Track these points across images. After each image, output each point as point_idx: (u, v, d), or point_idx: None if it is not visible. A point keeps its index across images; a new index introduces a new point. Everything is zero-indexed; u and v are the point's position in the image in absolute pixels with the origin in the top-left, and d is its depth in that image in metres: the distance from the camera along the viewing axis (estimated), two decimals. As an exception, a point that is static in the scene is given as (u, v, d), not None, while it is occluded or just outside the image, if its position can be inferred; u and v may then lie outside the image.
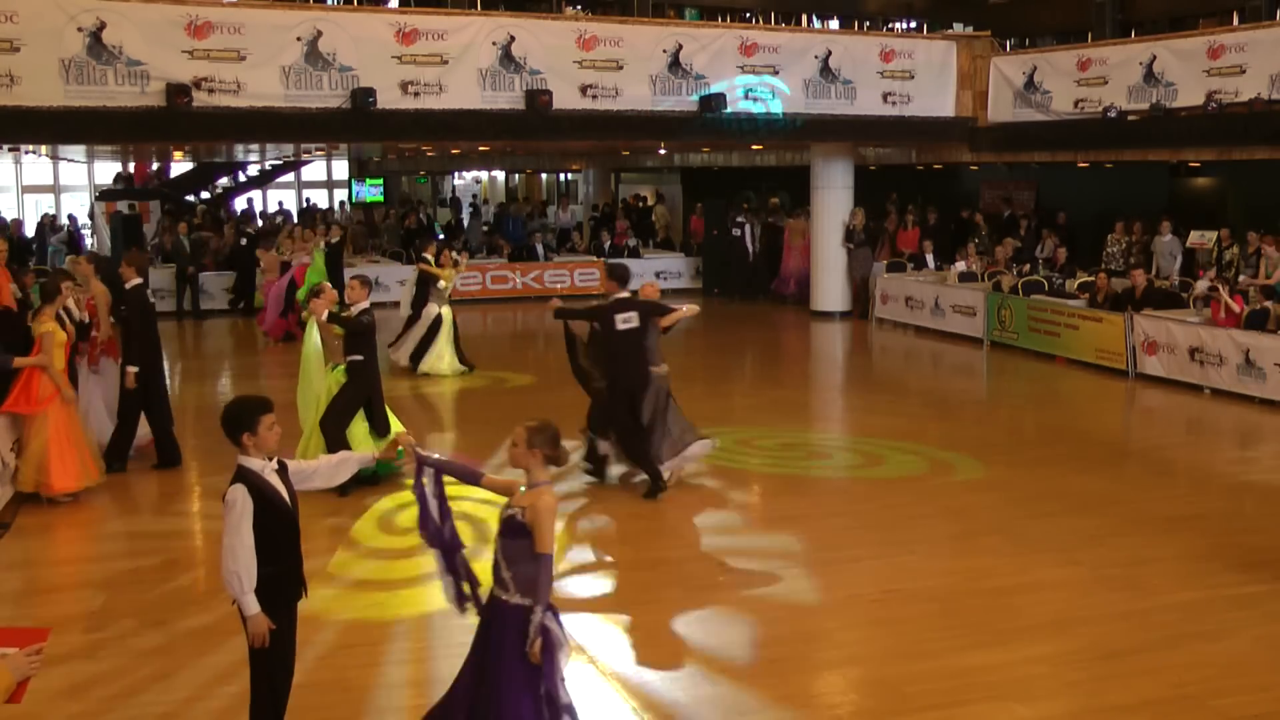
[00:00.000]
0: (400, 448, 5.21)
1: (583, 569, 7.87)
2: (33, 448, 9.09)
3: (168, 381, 11.48)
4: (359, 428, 9.48)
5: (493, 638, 4.70)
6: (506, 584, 4.68)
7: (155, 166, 28.40)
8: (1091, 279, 16.37)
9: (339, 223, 19.26)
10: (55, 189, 30.60)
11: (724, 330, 20.01)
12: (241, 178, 31.06)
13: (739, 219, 22.83)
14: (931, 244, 19.96)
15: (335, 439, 9.22)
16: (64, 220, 26.01)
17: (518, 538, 4.65)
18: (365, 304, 9.65)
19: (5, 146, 21.24)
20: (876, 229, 20.55)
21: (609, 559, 8.06)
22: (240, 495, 4.69)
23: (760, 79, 16.71)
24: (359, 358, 9.52)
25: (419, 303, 15.05)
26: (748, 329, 20.27)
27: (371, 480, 9.48)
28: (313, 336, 9.77)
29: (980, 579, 7.66)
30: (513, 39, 15.41)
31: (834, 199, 19.79)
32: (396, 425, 9.57)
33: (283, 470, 4.91)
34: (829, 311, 19.81)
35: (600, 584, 7.57)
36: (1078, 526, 8.61)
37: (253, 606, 4.69)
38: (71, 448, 9.23)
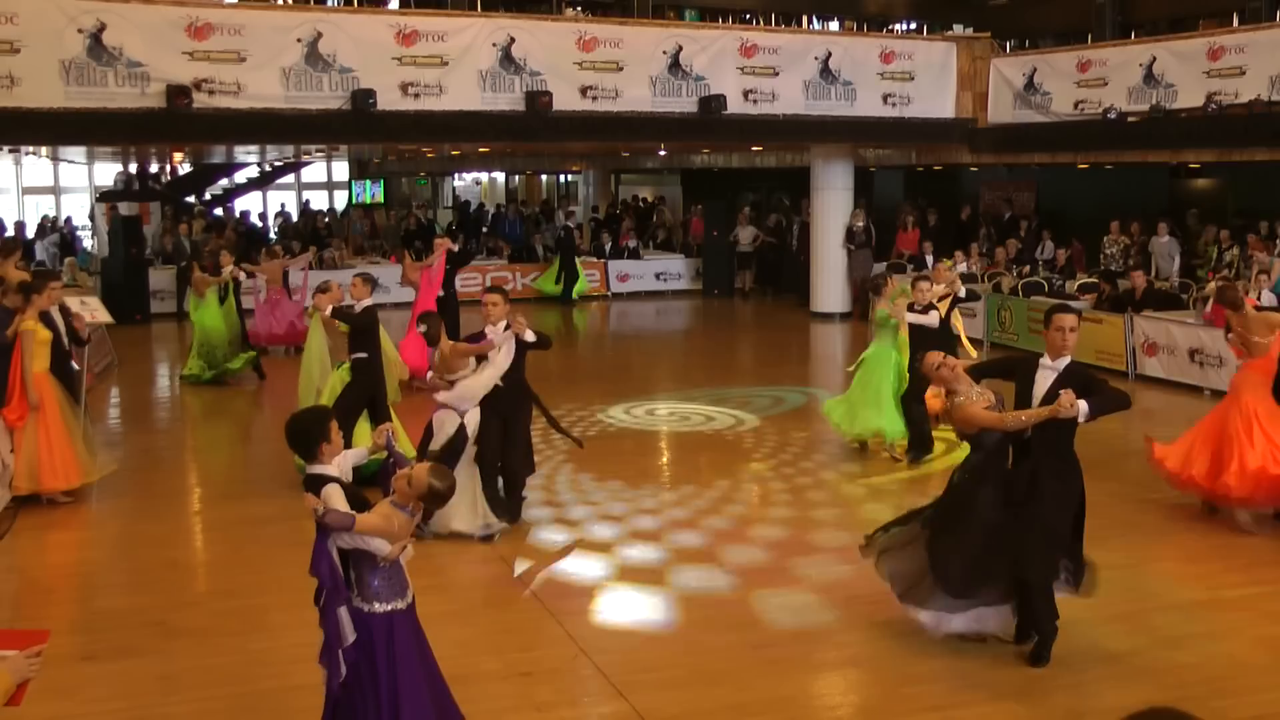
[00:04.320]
0: (379, 444, 5.12)
1: (582, 570, 7.87)
2: (25, 450, 9.09)
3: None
4: (364, 426, 9.49)
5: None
6: (352, 588, 4.71)
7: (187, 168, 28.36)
8: (1093, 280, 16.39)
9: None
10: (55, 190, 30.57)
11: (723, 332, 20.02)
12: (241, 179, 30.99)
13: (797, 222, 22.63)
14: (931, 245, 19.97)
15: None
16: (61, 222, 25.98)
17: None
18: (368, 301, 9.68)
19: (5, 148, 21.22)
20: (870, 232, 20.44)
21: (608, 560, 8.05)
22: (337, 491, 4.64)
23: None
24: (363, 355, 9.55)
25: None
26: (747, 330, 20.29)
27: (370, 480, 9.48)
28: (316, 331, 9.77)
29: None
30: (513, 40, 15.41)
31: (834, 200, 19.80)
32: (397, 424, 9.59)
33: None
34: (829, 313, 19.81)
35: (599, 585, 7.56)
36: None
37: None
38: (64, 446, 9.22)
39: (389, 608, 4.67)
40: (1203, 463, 8.63)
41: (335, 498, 4.59)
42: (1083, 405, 5.84)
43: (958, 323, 11.13)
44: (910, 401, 10.33)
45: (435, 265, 14.03)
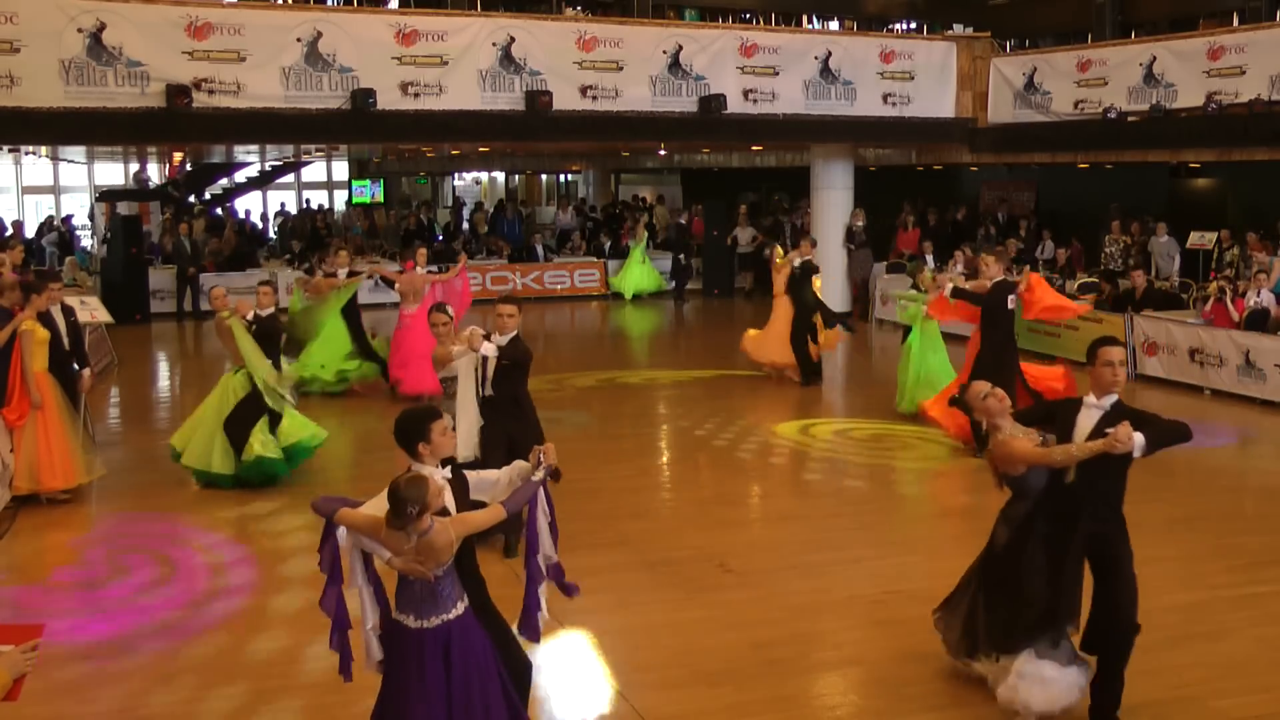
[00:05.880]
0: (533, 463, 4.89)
1: (582, 570, 7.86)
2: (25, 449, 9.10)
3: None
4: (259, 433, 9.63)
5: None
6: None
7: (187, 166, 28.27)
8: (1093, 279, 16.39)
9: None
10: (55, 190, 30.58)
11: (721, 330, 19.99)
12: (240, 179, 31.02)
13: (788, 223, 22.59)
14: (931, 245, 19.96)
15: (239, 440, 9.56)
16: (58, 221, 25.97)
17: None
18: (272, 309, 9.92)
19: (5, 147, 21.23)
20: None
21: (609, 559, 8.05)
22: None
23: None
24: (268, 362, 9.72)
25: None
26: (744, 329, 20.24)
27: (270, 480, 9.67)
28: (244, 338, 9.73)
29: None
30: (513, 40, 15.42)
31: (834, 200, 19.79)
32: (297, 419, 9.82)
33: (458, 479, 4.80)
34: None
35: (600, 584, 7.56)
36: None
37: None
38: (63, 446, 9.23)
39: (405, 621, 4.60)
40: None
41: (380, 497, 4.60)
42: (1139, 438, 5.16)
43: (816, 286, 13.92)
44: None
45: (456, 278, 13.77)
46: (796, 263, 13.94)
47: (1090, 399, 5.50)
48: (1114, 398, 5.45)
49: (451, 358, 7.99)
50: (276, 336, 9.93)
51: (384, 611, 4.73)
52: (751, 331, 14.67)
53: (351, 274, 13.50)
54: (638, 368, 15.81)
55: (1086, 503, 5.42)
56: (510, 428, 7.84)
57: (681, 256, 22.80)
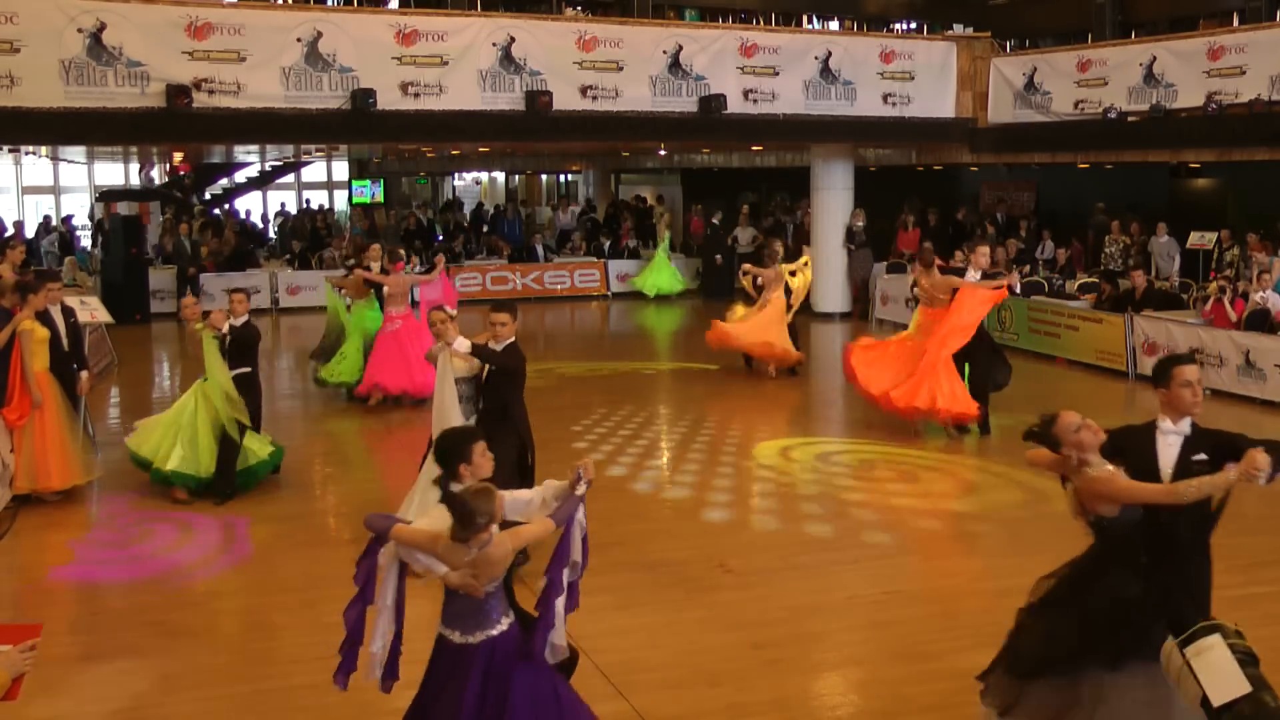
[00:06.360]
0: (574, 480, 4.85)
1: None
2: (25, 449, 9.11)
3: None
4: (252, 440, 9.65)
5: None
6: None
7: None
8: (1093, 279, 16.39)
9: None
10: (55, 190, 30.58)
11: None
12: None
13: (789, 222, 22.71)
14: (932, 245, 19.93)
15: (231, 450, 9.47)
16: (57, 221, 25.96)
17: None
18: (246, 316, 9.90)
19: (5, 148, 21.23)
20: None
21: (609, 559, 8.05)
22: (439, 509, 4.58)
23: None
24: (246, 369, 9.72)
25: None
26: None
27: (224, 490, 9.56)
28: (207, 350, 9.72)
29: (980, 580, 7.64)
30: (513, 40, 15.42)
31: (834, 200, 19.79)
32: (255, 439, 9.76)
33: None
34: (829, 313, 19.81)
35: (600, 584, 7.55)
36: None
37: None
38: (61, 446, 9.24)
39: (450, 636, 4.57)
40: (898, 386, 11.21)
41: (432, 513, 4.56)
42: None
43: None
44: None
45: (438, 280, 13.88)
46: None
47: (1165, 424, 4.98)
48: (1190, 421, 4.98)
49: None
50: (254, 343, 9.88)
51: (399, 633, 4.70)
52: (732, 327, 14.88)
53: (384, 271, 13.44)
54: (642, 365, 15.82)
55: (1184, 543, 4.92)
56: (493, 436, 7.68)
57: (719, 258, 22.84)
